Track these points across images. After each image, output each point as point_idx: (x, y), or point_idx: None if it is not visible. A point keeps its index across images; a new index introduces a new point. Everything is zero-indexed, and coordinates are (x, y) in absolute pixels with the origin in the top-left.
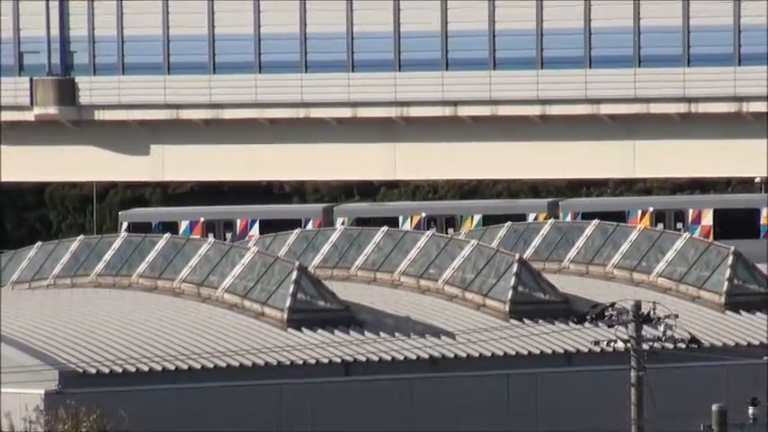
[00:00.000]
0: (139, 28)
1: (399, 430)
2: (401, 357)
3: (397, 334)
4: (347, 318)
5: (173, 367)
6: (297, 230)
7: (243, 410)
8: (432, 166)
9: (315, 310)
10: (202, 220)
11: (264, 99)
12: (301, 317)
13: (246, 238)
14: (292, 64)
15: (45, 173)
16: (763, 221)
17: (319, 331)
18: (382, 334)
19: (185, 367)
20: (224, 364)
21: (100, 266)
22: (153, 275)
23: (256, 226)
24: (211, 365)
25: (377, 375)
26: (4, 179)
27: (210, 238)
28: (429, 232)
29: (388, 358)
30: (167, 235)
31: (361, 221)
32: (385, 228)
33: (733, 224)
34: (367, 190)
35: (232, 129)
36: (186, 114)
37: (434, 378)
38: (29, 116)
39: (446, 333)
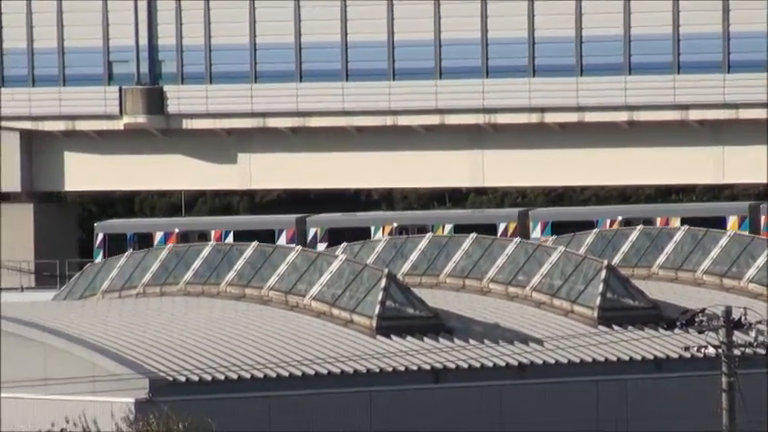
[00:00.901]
0: (226, 37)
1: None
2: (490, 364)
3: (485, 341)
4: (436, 325)
5: (261, 375)
6: (386, 237)
7: (332, 418)
8: (519, 173)
9: (404, 317)
10: (177, 231)
11: (352, 107)
12: (390, 324)
13: None
14: (380, 72)
15: (134, 182)
16: (729, 229)
17: (408, 338)
18: (471, 341)
19: (274, 375)
20: (312, 372)
21: (188, 275)
22: (241, 283)
23: (230, 237)
24: (300, 373)
25: (466, 382)
26: (94, 188)
27: (298, 246)
28: (517, 239)
29: (478, 365)
30: (255, 243)
31: (334, 232)
32: (474, 235)
33: None
34: (457, 196)
35: (319, 137)
36: (273, 123)
37: (523, 385)
38: (118, 125)
39: (534, 340)
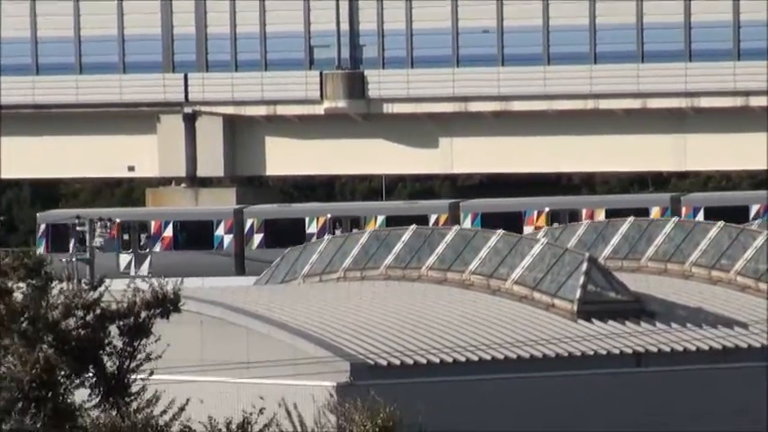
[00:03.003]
0: (428, 21)
1: (691, 420)
2: (693, 348)
3: (688, 324)
4: (638, 309)
5: (463, 359)
6: (586, 222)
7: (533, 402)
8: (722, 157)
9: (605, 301)
10: (117, 221)
11: (553, 91)
12: (591, 308)
13: (160, 239)
14: (582, 55)
15: (335, 166)
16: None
17: (610, 322)
18: (673, 324)
19: (475, 359)
20: (514, 356)
21: (389, 259)
22: (442, 267)
23: (170, 227)
24: (501, 357)
25: (669, 366)
26: (295, 173)
27: (500, 231)
28: (720, 223)
29: (680, 349)
30: (456, 227)
31: (270, 223)
32: (675, 218)
33: None
34: (659, 180)
35: (520, 121)
36: (475, 107)
37: (727, 369)
38: (319, 110)
39: (738, 323)
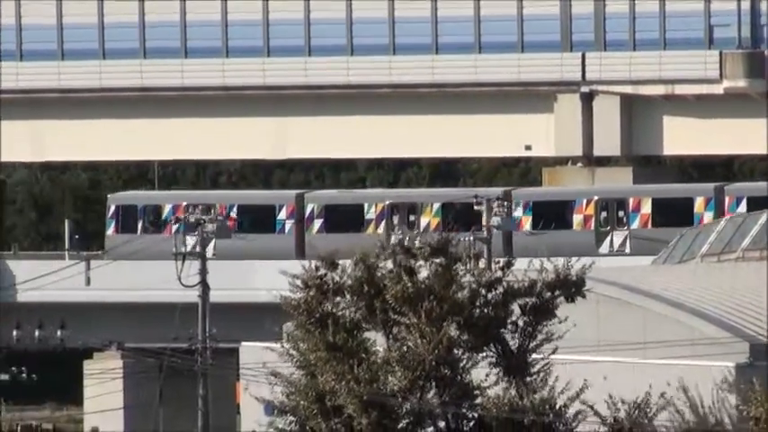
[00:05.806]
0: None
1: None
2: None
3: None
4: None
5: None
6: None
7: None
8: None
9: None
10: (185, 203)
11: None
12: None
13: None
14: None
15: (729, 146)
16: (697, 210)
17: None
18: None
19: None
20: None
21: None
22: None
23: (234, 210)
24: None
25: None
26: (691, 152)
27: None
28: None
29: None
30: None
31: (330, 208)
32: None
33: (670, 213)
34: None
35: None
36: None
37: None
38: (717, 89)
39: None
